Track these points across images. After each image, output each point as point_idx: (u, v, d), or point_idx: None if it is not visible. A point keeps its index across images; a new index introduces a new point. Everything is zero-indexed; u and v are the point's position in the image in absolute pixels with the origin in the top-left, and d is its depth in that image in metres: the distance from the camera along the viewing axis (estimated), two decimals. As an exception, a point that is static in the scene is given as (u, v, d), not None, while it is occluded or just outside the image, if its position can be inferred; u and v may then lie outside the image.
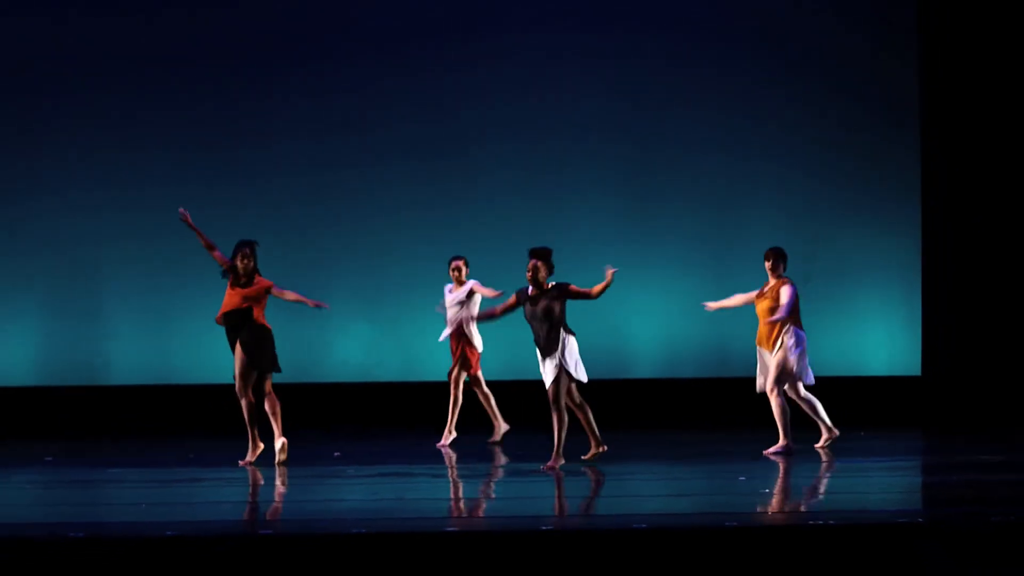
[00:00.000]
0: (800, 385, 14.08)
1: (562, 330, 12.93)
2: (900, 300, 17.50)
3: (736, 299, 14.33)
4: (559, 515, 11.02)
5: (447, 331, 15.04)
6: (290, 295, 13.55)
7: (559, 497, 11.80)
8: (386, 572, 9.28)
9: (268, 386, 13.59)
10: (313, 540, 9.47)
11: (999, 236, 17.41)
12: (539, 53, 17.52)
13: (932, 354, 17.43)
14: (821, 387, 14.27)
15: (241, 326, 13.44)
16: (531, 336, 13.11)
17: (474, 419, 15.47)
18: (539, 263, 12.97)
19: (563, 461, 13.04)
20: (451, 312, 14.99)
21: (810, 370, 14.07)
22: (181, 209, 13.72)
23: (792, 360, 13.90)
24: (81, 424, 17.03)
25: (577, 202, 17.43)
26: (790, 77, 17.55)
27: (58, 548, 9.35)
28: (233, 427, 14.15)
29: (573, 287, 12.97)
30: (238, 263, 13.47)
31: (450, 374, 15.10)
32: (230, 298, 13.49)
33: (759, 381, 14.13)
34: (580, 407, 13.19)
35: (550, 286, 12.98)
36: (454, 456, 14.49)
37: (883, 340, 17.49)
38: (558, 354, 12.87)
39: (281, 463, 13.42)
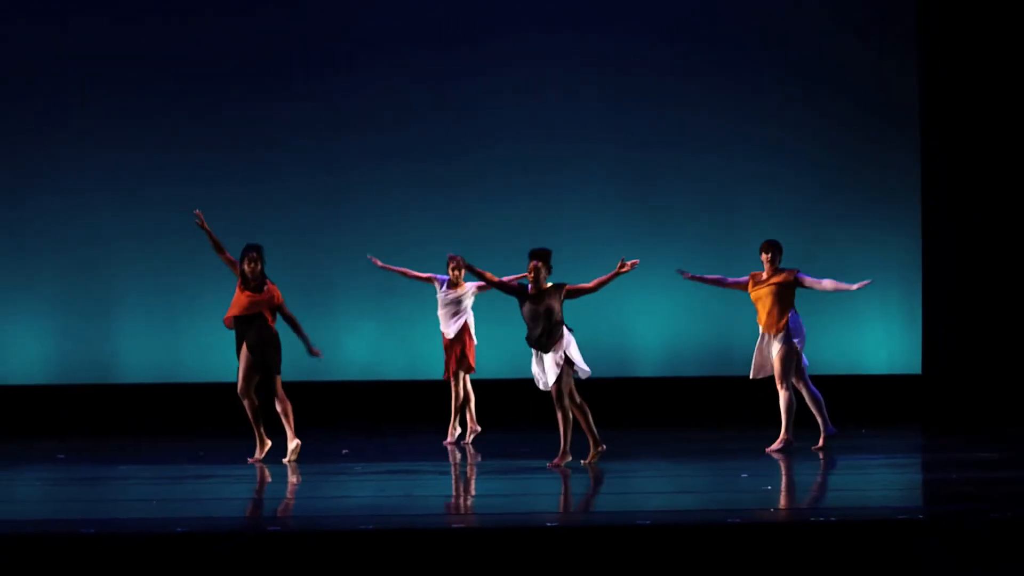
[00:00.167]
0: (808, 378, 14.10)
1: (564, 328, 13.04)
2: (900, 299, 17.51)
3: (719, 280, 14.27)
4: (564, 512, 11.07)
5: (455, 327, 15.08)
6: (293, 323, 13.57)
7: (564, 494, 11.82)
8: (394, 568, 9.28)
9: (279, 388, 13.58)
10: (321, 536, 9.50)
11: (999, 236, 17.41)
12: (541, 56, 17.53)
13: (932, 353, 17.45)
14: (822, 386, 14.32)
15: (249, 329, 13.51)
16: (530, 336, 13.19)
17: (479, 415, 15.47)
18: (540, 264, 13.02)
19: (570, 458, 13.08)
20: (448, 311, 15.03)
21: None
22: (197, 211, 13.79)
23: (795, 347, 13.97)
24: (92, 422, 17.08)
25: (580, 203, 17.45)
26: (791, 78, 17.57)
27: (70, 544, 9.37)
28: (242, 425, 14.13)
29: (570, 285, 13.05)
30: (246, 267, 13.50)
31: (452, 373, 15.16)
32: (239, 300, 13.51)
33: (752, 368, 14.17)
34: (580, 408, 13.15)
35: (549, 286, 13.07)
36: (459, 454, 14.51)
37: (883, 339, 17.51)
38: (562, 350, 12.94)
39: (290, 461, 13.50)
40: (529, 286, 13.09)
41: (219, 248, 13.65)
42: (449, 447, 15.00)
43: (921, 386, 17.45)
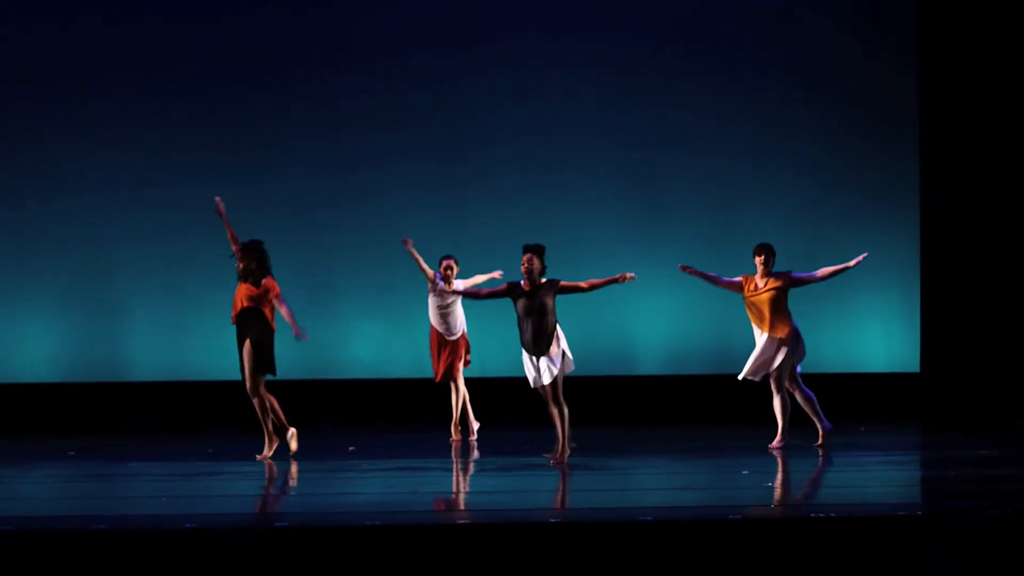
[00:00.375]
0: (800, 380, 14.19)
1: (556, 326, 13.09)
2: (899, 298, 17.51)
3: (715, 278, 14.32)
4: (566, 508, 11.12)
5: (459, 325, 15.14)
6: (284, 310, 13.65)
7: (566, 490, 11.87)
8: (400, 564, 9.33)
9: (261, 386, 13.65)
10: (329, 533, 9.55)
11: (998, 236, 17.41)
12: (542, 57, 17.49)
13: (931, 352, 17.46)
14: (822, 385, 14.37)
15: (251, 325, 13.57)
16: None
17: (478, 413, 15.54)
18: (534, 256, 13.04)
19: (569, 452, 13.14)
20: (440, 312, 15.08)
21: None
22: (217, 198, 13.83)
23: (799, 353, 14.08)
24: (102, 420, 17.09)
25: (580, 203, 17.43)
26: (790, 79, 17.54)
27: (81, 540, 9.43)
28: (250, 422, 14.12)
29: (563, 282, 13.10)
30: (238, 263, 13.67)
31: (453, 371, 15.20)
32: (238, 293, 13.60)
33: (748, 367, 14.25)
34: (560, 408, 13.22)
35: (543, 282, 13.10)
36: (465, 451, 14.56)
37: (882, 338, 17.53)
38: (555, 349, 12.98)
39: (295, 454, 13.57)
40: (523, 281, 13.14)
41: (234, 239, 13.73)
42: (455, 443, 15.07)
43: (920, 384, 17.43)
